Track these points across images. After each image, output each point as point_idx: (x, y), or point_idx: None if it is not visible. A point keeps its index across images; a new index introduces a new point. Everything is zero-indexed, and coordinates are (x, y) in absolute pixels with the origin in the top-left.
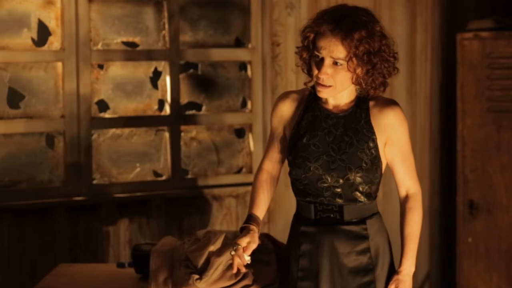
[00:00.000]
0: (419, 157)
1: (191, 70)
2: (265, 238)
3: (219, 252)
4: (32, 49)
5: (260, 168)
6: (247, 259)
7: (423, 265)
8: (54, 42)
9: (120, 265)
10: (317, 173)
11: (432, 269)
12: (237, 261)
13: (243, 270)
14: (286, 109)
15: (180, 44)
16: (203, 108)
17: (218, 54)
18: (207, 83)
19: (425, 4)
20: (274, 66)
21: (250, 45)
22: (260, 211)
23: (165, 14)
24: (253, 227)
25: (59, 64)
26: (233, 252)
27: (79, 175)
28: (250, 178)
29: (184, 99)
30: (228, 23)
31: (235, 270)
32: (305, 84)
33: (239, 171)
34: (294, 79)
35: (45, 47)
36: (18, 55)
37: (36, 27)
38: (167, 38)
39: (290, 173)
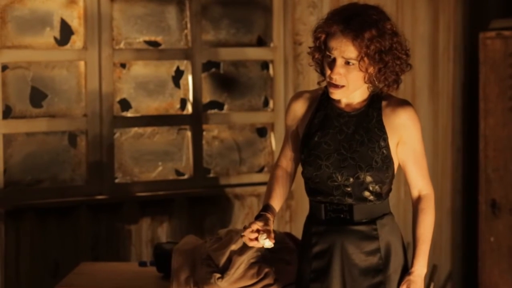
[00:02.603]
0: (441, 156)
1: (213, 69)
2: (286, 237)
3: (240, 251)
4: (54, 48)
5: (275, 165)
6: (268, 244)
7: (445, 264)
8: (77, 41)
9: (142, 264)
10: (327, 171)
11: (454, 269)
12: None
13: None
14: (299, 108)
15: (202, 43)
16: (225, 107)
17: (240, 53)
18: (229, 82)
19: (447, 4)
20: (296, 65)
21: (272, 44)
22: (275, 203)
23: (187, 13)
24: (268, 215)
25: (82, 63)
26: (242, 234)
27: (101, 174)
28: None
29: (206, 98)
30: (250, 22)
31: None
32: (318, 83)
33: (261, 170)
34: (316, 78)
35: (68, 46)
36: (40, 54)
37: (59, 26)
38: (189, 37)
39: (302, 173)
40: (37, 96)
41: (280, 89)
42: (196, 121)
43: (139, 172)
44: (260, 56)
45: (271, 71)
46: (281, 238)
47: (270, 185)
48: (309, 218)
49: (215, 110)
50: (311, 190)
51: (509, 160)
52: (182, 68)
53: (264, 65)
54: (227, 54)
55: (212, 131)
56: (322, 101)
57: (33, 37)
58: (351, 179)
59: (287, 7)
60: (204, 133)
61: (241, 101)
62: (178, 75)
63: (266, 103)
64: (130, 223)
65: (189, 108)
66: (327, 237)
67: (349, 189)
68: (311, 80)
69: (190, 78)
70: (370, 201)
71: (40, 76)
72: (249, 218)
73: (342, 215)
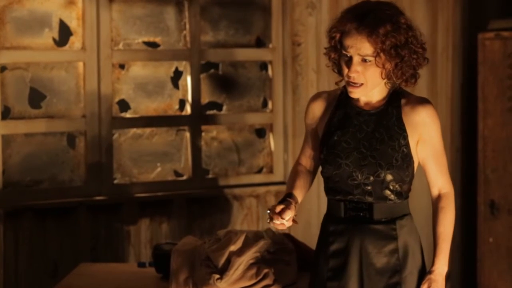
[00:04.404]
0: None
1: (212, 70)
2: (285, 238)
3: (239, 252)
4: (53, 49)
5: (296, 162)
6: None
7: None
8: (75, 42)
9: (141, 265)
10: (347, 170)
11: (453, 269)
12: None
13: (286, 224)
14: (318, 108)
15: (201, 44)
16: (224, 108)
17: (239, 54)
18: (228, 83)
19: (446, 4)
20: (295, 66)
21: (271, 45)
22: (297, 193)
23: (186, 14)
24: (291, 200)
25: (80, 64)
26: (268, 220)
27: (100, 174)
28: (271, 178)
29: (205, 99)
30: (249, 23)
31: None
32: (336, 83)
33: (259, 171)
34: (315, 79)
35: (66, 47)
36: (39, 55)
37: (58, 27)
38: (188, 38)
39: (322, 172)
40: (35, 97)
41: (278, 90)
42: (195, 122)
43: (138, 173)
44: (258, 57)
45: (269, 71)
46: (280, 239)
47: (291, 179)
48: (327, 216)
49: (214, 111)
50: (330, 189)
51: (508, 160)
52: (181, 69)
53: (263, 66)
54: (225, 55)
55: (211, 132)
56: (341, 100)
57: (31, 38)
58: (372, 178)
59: (286, 8)
60: (203, 134)
61: (240, 102)
62: (177, 76)
63: (265, 104)
64: (129, 224)
65: (188, 109)
66: (345, 235)
67: (369, 187)
68: (310, 81)
69: (188, 79)
70: (390, 200)
71: (38, 77)
72: (248, 219)
73: (361, 214)
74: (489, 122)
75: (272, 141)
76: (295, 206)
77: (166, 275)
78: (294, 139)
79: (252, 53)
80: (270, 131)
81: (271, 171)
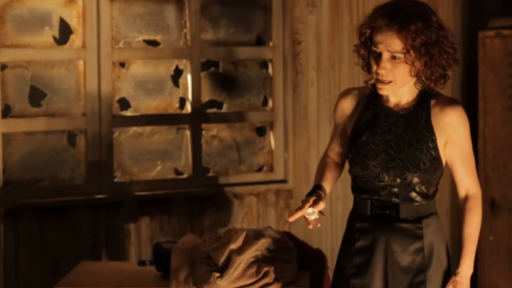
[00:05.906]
0: None
1: (212, 68)
2: (286, 236)
3: (240, 250)
4: (53, 47)
5: (324, 155)
6: (311, 211)
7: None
8: (76, 40)
9: (141, 263)
10: (375, 171)
11: (453, 268)
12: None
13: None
14: (347, 105)
15: (202, 42)
16: (224, 106)
17: (239, 52)
18: (228, 81)
19: (446, 3)
20: (295, 64)
21: (271, 43)
22: (326, 185)
23: (187, 12)
24: (319, 192)
25: (81, 62)
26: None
27: (101, 173)
28: (271, 176)
29: (205, 97)
30: (250, 21)
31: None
32: (365, 82)
33: (260, 169)
34: (315, 77)
35: (67, 45)
36: (39, 53)
37: (58, 25)
38: (188, 36)
39: (349, 170)
40: (36, 95)
41: (279, 88)
42: (195, 120)
43: (138, 171)
44: (259, 55)
45: (270, 70)
46: (280, 238)
47: (320, 169)
48: (353, 213)
49: (214, 109)
50: (357, 188)
51: (508, 159)
52: (181, 67)
53: (263, 64)
54: (226, 53)
55: (211, 130)
56: (370, 100)
57: (32, 36)
58: (398, 180)
59: (286, 6)
60: (203, 132)
61: (240, 100)
62: (177, 74)
63: (265, 102)
64: (129, 222)
65: (188, 107)
66: (371, 233)
67: (396, 189)
68: (310, 79)
69: (189, 77)
70: (416, 201)
71: (39, 75)
72: (248, 217)
73: (388, 212)
74: (489, 120)
75: (272, 140)
76: (324, 198)
77: (167, 273)
78: (294, 137)
79: (252, 51)
80: (271, 130)
81: (271, 169)
